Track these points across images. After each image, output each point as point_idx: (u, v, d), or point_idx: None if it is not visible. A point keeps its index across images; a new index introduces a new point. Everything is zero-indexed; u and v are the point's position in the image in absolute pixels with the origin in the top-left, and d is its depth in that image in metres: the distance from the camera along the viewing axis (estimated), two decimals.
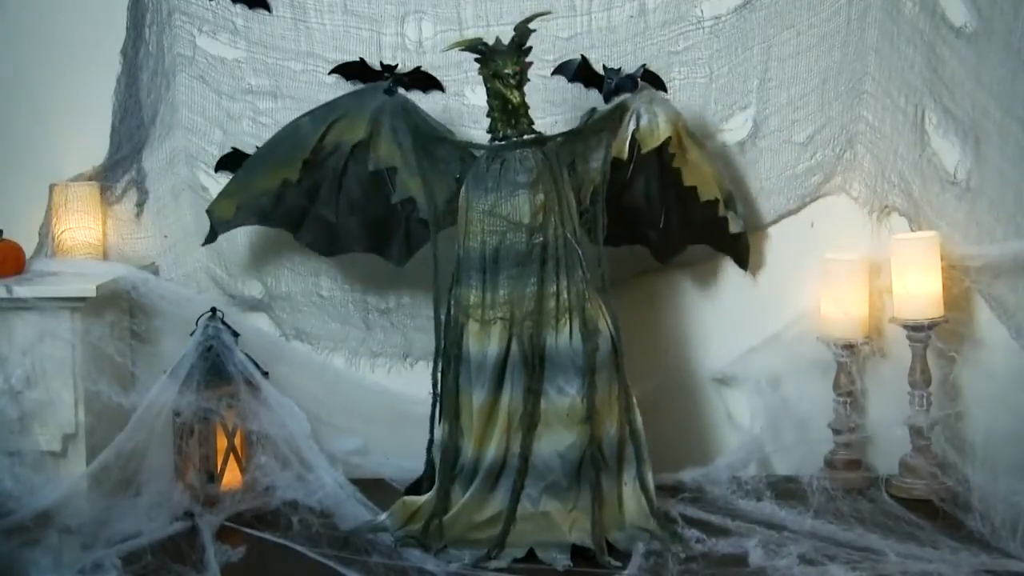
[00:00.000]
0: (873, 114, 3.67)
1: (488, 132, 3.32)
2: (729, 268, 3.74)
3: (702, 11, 3.70)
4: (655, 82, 3.59)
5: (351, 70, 3.71)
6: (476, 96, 3.65)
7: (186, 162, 3.83)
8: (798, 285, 3.70)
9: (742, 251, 3.67)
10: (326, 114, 3.51)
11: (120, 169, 3.84)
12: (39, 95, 3.84)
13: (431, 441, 3.32)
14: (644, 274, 3.74)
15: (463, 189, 3.29)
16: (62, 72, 3.82)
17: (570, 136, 3.37)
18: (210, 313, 3.54)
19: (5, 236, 3.64)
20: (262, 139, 3.72)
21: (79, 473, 3.41)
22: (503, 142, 3.27)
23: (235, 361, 3.49)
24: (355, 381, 3.82)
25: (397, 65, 3.69)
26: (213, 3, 3.79)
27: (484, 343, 3.19)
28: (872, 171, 3.69)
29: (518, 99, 3.24)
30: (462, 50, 3.32)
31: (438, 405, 3.30)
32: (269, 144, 3.58)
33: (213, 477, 3.45)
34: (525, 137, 3.26)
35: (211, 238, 3.61)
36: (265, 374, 3.54)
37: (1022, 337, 3.41)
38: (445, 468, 3.20)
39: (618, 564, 3.00)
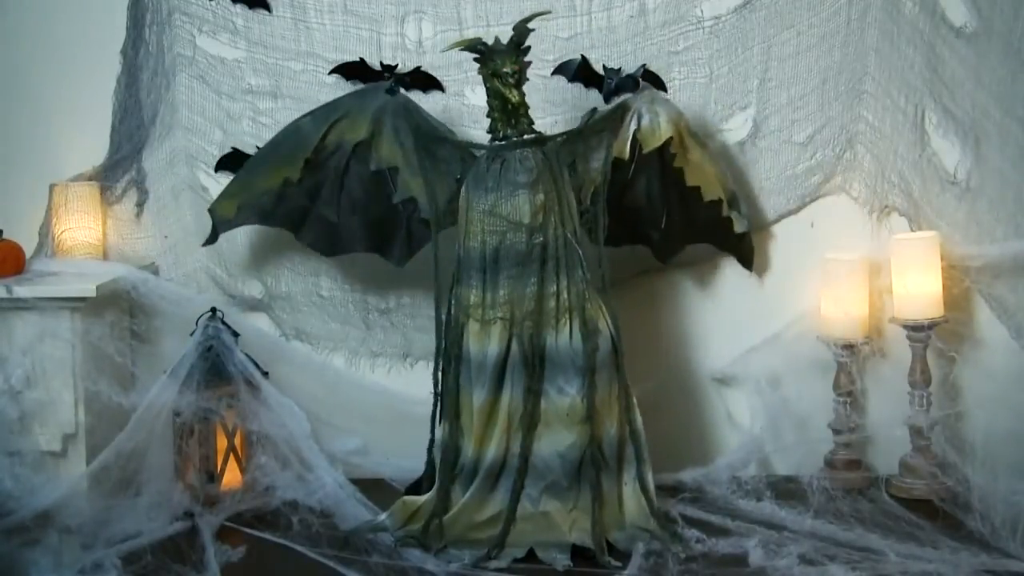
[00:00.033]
0: (873, 114, 3.67)
1: (488, 132, 3.32)
2: (729, 268, 3.74)
3: (702, 11, 3.70)
4: (655, 82, 3.59)
5: (351, 70, 3.71)
6: (476, 96, 3.65)
7: (186, 162, 3.83)
8: (798, 285, 3.70)
9: (746, 251, 3.66)
10: (328, 114, 3.51)
11: (120, 169, 3.84)
12: (39, 95, 3.84)
13: (432, 441, 3.32)
14: (644, 274, 3.74)
15: (463, 189, 3.29)
16: (62, 72, 3.83)
17: (571, 136, 3.37)
18: (210, 313, 3.54)
19: (5, 236, 3.64)
20: (262, 139, 3.72)
21: (79, 473, 3.41)
22: (503, 142, 3.27)
23: (235, 361, 3.49)
24: (355, 381, 3.82)
25: (397, 65, 3.69)
26: (213, 3, 3.79)
27: (484, 343, 3.19)
28: (872, 171, 3.69)
29: (517, 98, 3.24)
30: (461, 50, 3.32)
31: (439, 405, 3.30)
32: (271, 144, 3.58)
33: (213, 477, 3.45)
34: (525, 137, 3.26)
35: (212, 239, 3.61)
36: (265, 374, 3.54)
37: (1022, 337, 3.41)
38: (445, 468, 3.20)
39: (618, 564, 3.00)
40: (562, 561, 3.01)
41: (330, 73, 3.73)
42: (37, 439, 3.45)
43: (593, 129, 3.39)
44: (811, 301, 3.66)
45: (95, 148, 3.83)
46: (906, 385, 3.49)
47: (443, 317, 3.32)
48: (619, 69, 3.62)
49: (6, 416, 3.41)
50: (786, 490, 3.45)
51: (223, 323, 3.54)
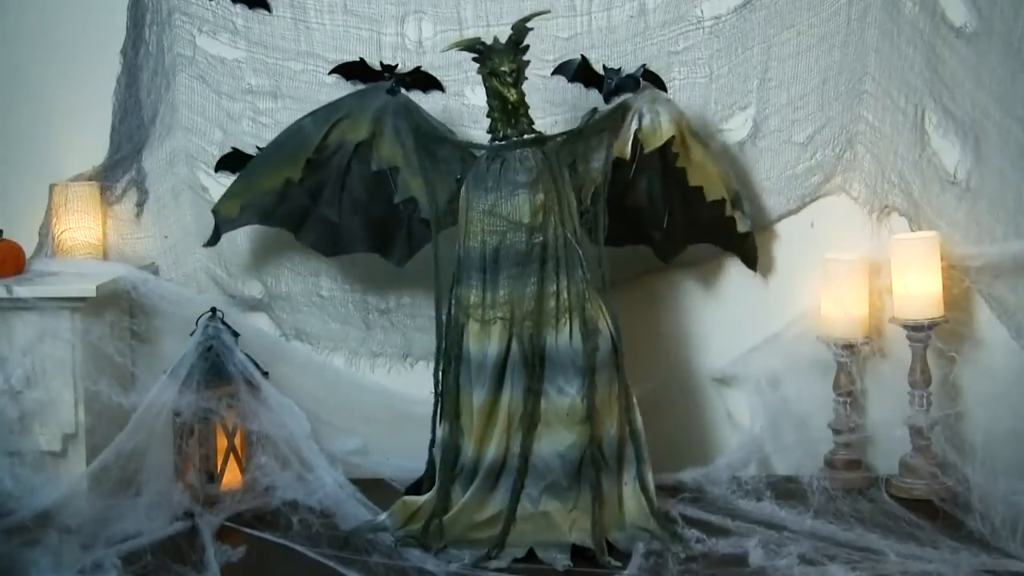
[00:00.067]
0: (873, 114, 3.67)
1: (488, 132, 3.32)
2: (729, 268, 3.74)
3: (702, 11, 3.70)
4: (655, 82, 3.59)
5: (351, 70, 3.71)
6: (476, 96, 3.65)
7: (186, 162, 3.83)
8: (798, 285, 3.70)
9: (750, 251, 3.66)
10: (329, 114, 3.51)
11: (120, 169, 3.84)
12: (39, 95, 3.84)
13: (433, 441, 3.32)
14: (644, 274, 3.73)
15: (463, 189, 3.29)
16: (62, 72, 3.83)
17: (571, 136, 3.36)
18: (210, 313, 3.54)
19: (5, 236, 3.64)
20: (262, 139, 3.72)
21: (79, 473, 3.41)
22: (503, 142, 3.27)
23: (235, 361, 3.49)
24: (355, 381, 3.82)
25: (397, 65, 3.69)
26: (213, 3, 3.79)
27: (484, 343, 3.19)
28: (872, 171, 3.69)
29: (515, 97, 3.24)
30: (460, 50, 3.32)
31: (439, 405, 3.30)
32: (273, 144, 3.59)
33: (213, 477, 3.45)
34: (525, 137, 3.27)
35: (214, 239, 3.61)
36: (265, 374, 3.54)
37: (1022, 337, 3.40)
38: (445, 468, 3.20)
39: (618, 564, 3.00)
40: (562, 561, 3.01)
41: (330, 73, 3.73)
42: (37, 439, 3.45)
43: (593, 129, 3.39)
44: (811, 301, 3.66)
45: (95, 148, 3.83)
46: (906, 385, 3.49)
47: (443, 317, 3.32)
48: (619, 69, 3.62)
49: (6, 416, 3.41)
50: (786, 490, 3.45)
51: (223, 323, 3.54)
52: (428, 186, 3.42)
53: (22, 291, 3.44)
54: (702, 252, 3.70)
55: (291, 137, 3.53)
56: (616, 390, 3.19)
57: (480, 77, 3.31)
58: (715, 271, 3.76)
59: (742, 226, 3.57)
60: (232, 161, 3.75)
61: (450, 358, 3.25)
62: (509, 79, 3.23)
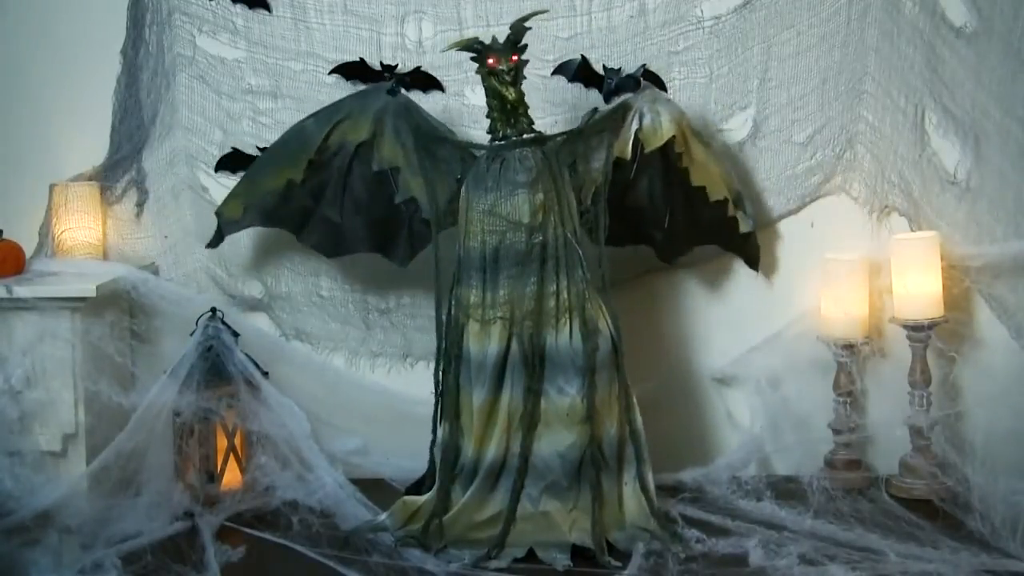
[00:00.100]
0: (873, 114, 3.67)
1: (488, 132, 3.32)
2: (730, 268, 3.74)
3: (702, 11, 3.70)
4: (655, 82, 3.59)
5: (351, 70, 3.71)
6: (476, 96, 3.65)
7: (186, 162, 3.83)
8: (798, 285, 3.70)
9: (752, 251, 3.65)
10: (330, 115, 3.51)
11: (120, 169, 3.84)
12: (40, 95, 3.84)
13: (434, 441, 3.32)
14: (645, 274, 3.73)
15: (463, 189, 3.29)
16: (63, 72, 3.83)
17: (571, 136, 3.36)
18: (210, 313, 3.54)
19: (5, 236, 3.64)
20: (262, 139, 3.73)
21: (79, 473, 3.41)
22: (503, 142, 3.27)
23: (235, 361, 3.49)
24: (355, 381, 3.82)
25: (397, 65, 3.69)
26: (213, 3, 3.79)
27: (484, 343, 3.19)
28: (872, 171, 3.69)
29: (513, 95, 3.24)
30: (459, 50, 3.32)
31: (439, 405, 3.30)
32: (275, 145, 3.59)
33: (213, 477, 3.45)
34: (524, 136, 3.26)
35: (217, 241, 3.61)
36: (265, 374, 3.54)
37: (1022, 337, 3.40)
38: (445, 468, 3.20)
39: (618, 564, 3.00)
40: (562, 561, 3.01)
41: (330, 73, 3.73)
42: (37, 439, 3.45)
43: (594, 129, 3.39)
44: (811, 301, 3.66)
45: (95, 148, 3.83)
46: (906, 385, 3.49)
47: (443, 317, 3.32)
48: (619, 69, 3.62)
49: (6, 416, 3.42)
50: (786, 490, 3.45)
51: (223, 323, 3.54)
52: (428, 186, 3.42)
53: (22, 291, 3.44)
54: (702, 252, 3.70)
55: (293, 138, 3.54)
56: (616, 390, 3.19)
57: (479, 77, 3.31)
58: (715, 271, 3.76)
59: (744, 226, 3.57)
60: (232, 161, 3.75)
61: (450, 358, 3.25)
62: (507, 77, 3.23)
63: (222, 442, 3.48)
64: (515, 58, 3.24)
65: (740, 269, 3.71)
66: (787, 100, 3.70)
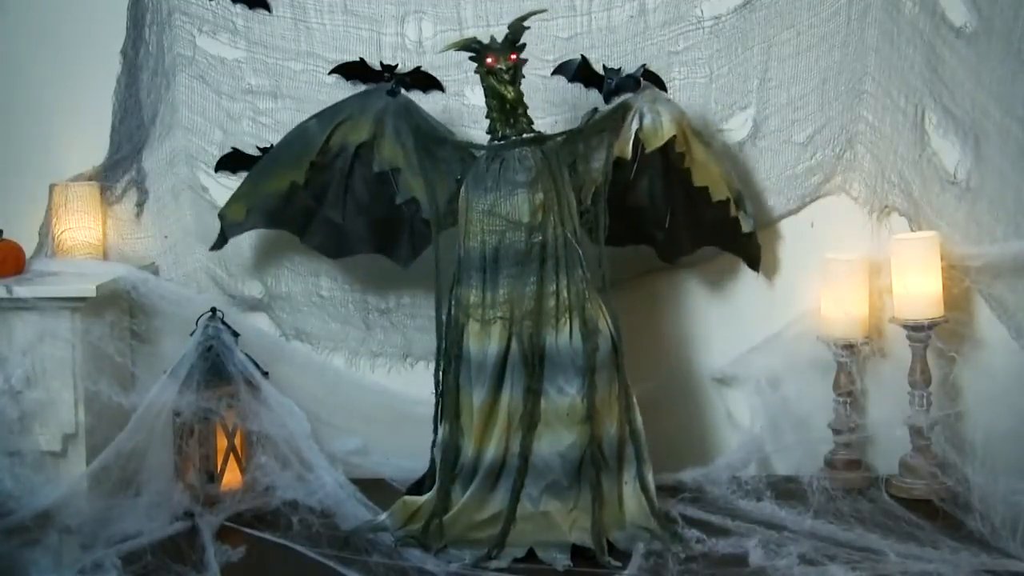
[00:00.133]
0: (873, 114, 3.67)
1: (487, 133, 3.32)
2: (730, 268, 3.74)
3: (702, 11, 3.70)
4: (655, 82, 3.59)
5: (351, 70, 3.71)
6: (476, 96, 3.64)
7: (186, 162, 3.83)
8: (798, 285, 3.70)
9: (753, 252, 3.65)
10: (332, 116, 3.51)
11: (120, 169, 3.84)
12: (40, 95, 3.84)
13: (435, 441, 3.32)
14: (645, 274, 3.73)
15: (463, 189, 3.29)
16: (63, 72, 3.83)
17: (571, 136, 3.36)
18: (210, 313, 3.54)
19: (5, 236, 3.64)
20: (262, 139, 3.73)
21: (79, 473, 3.41)
22: (502, 142, 3.27)
23: (235, 361, 3.49)
24: (355, 381, 3.82)
25: (397, 65, 3.69)
26: (213, 3, 3.79)
27: (484, 343, 3.19)
28: (872, 171, 3.69)
29: (512, 94, 3.24)
30: (457, 50, 3.32)
31: (440, 405, 3.30)
32: (278, 147, 3.59)
33: (213, 477, 3.45)
34: (524, 136, 3.26)
35: (220, 243, 3.61)
36: (265, 374, 3.54)
37: (1022, 337, 3.41)
38: (445, 468, 3.20)
39: (618, 564, 3.00)
40: (562, 561, 3.01)
41: (330, 73, 3.73)
42: (37, 439, 3.45)
43: (594, 129, 3.39)
44: (811, 301, 3.66)
45: (95, 148, 3.83)
46: (906, 385, 3.49)
47: (443, 317, 3.32)
48: (619, 69, 3.62)
49: (6, 416, 3.42)
50: (786, 490, 3.45)
51: (223, 323, 3.54)
52: (428, 187, 3.42)
53: (22, 291, 3.44)
54: (702, 252, 3.69)
55: (295, 140, 3.54)
56: (616, 390, 3.19)
57: (479, 77, 3.31)
58: (715, 271, 3.76)
59: (746, 226, 3.57)
60: (232, 161, 3.75)
61: (450, 358, 3.25)
62: (506, 76, 3.23)
63: (222, 442, 3.48)
64: (514, 57, 3.25)
65: (740, 269, 3.71)
66: (787, 100, 3.70)
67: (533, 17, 3.32)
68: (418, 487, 3.34)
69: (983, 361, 3.54)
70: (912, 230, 3.62)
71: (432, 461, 3.32)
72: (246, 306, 3.84)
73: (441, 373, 3.29)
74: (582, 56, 3.63)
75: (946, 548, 3.01)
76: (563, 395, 3.15)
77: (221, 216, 3.59)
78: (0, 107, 3.85)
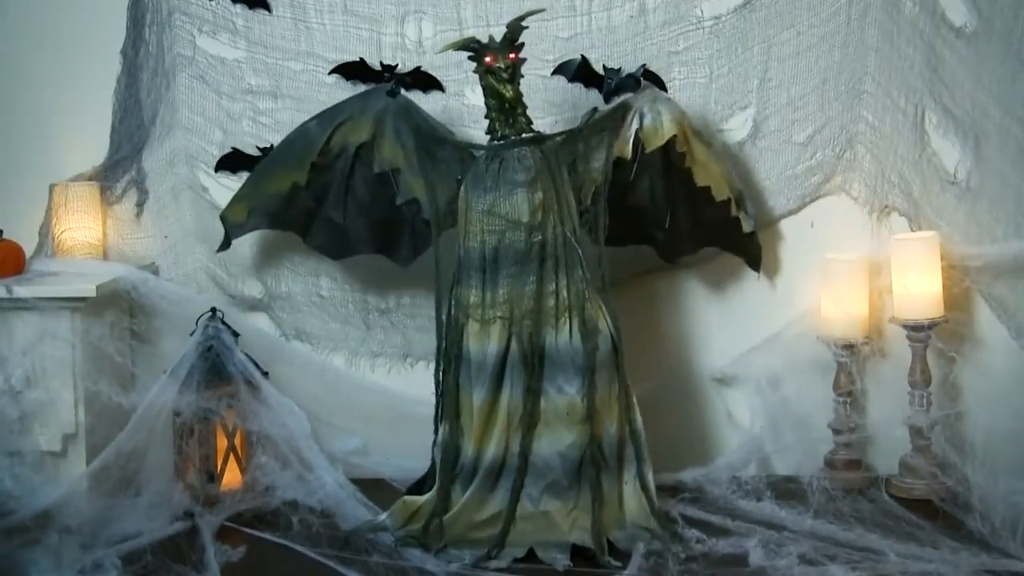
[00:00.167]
0: (873, 114, 3.67)
1: (487, 133, 3.32)
2: (730, 268, 3.73)
3: (702, 11, 3.70)
4: (655, 82, 3.59)
5: (351, 70, 3.71)
6: (476, 96, 3.64)
7: (186, 162, 3.83)
8: (798, 285, 3.70)
9: (754, 251, 3.64)
10: (332, 117, 3.52)
11: (120, 169, 3.84)
12: (39, 95, 3.84)
13: (435, 441, 3.32)
14: (645, 274, 3.73)
15: (462, 189, 3.29)
16: (62, 72, 3.83)
17: (570, 135, 3.36)
18: (210, 313, 3.54)
19: (5, 236, 3.64)
20: (262, 139, 3.73)
21: (79, 473, 3.41)
22: (501, 141, 3.27)
23: (235, 361, 3.49)
24: (355, 381, 3.82)
25: (397, 65, 3.69)
26: (213, 3, 3.79)
27: (484, 342, 3.19)
28: (872, 171, 3.69)
29: (511, 94, 3.24)
30: (455, 50, 3.32)
31: (440, 405, 3.30)
32: (279, 148, 3.60)
33: (213, 477, 3.45)
34: (523, 136, 3.27)
35: (224, 245, 3.61)
36: (265, 374, 3.54)
37: (1022, 337, 3.40)
38: (445, 468, 3.20)
39: (618, 564, 3.00)
40: (562, 561, 3.01)
41: (330, 73, 3.73)
42: (37, 439, 3.45)
43: (593, 129, 3.39)
44: (811, 301, 3.66)
45: (95, 148, 3.83)
46: (906, 385, 3.49)
47: (443, 317, 3.32)
48: (619, 69, 3.62)
49: (6, 416, 3.42)
50: (786, 490, 3.45)
51: (223, 323, 3.54)
52: (428, 187, 3.42)
53: (22, 291, 3.44)
54: (703, 252, 3.69)
55: (296, 141, 3.54)
56: (616, 390, 3.19)
57: (477, 77, 3.31)
58: (715, 271, 3.76)
59: (747, 226, 3.56)
60: (232, 161, 3.76)
61: (450, 358, 3.25)
62: (504, 75, 3.23)
63: (222, 442, 3.48)
64: (512, 56, 3.25)
65: (740, 269, 3.71)
66: (787, 100, 3.70)
67: (533, 17, 3.32)
68: (418, 487, 3.34)
69: (983, 361, 3.54)
70: (912, 230, 3.62)
71: (432, 461, 3.32)
72: (246, 306, 3.84)
73: (441, 373, 3.29)
74: (582, 56, 3.63)
75: (946, 548, 3.01)
76: (563, 395, 3.15)
77: (223, 218, 3.60)
78: (0, 107, 3.85)
